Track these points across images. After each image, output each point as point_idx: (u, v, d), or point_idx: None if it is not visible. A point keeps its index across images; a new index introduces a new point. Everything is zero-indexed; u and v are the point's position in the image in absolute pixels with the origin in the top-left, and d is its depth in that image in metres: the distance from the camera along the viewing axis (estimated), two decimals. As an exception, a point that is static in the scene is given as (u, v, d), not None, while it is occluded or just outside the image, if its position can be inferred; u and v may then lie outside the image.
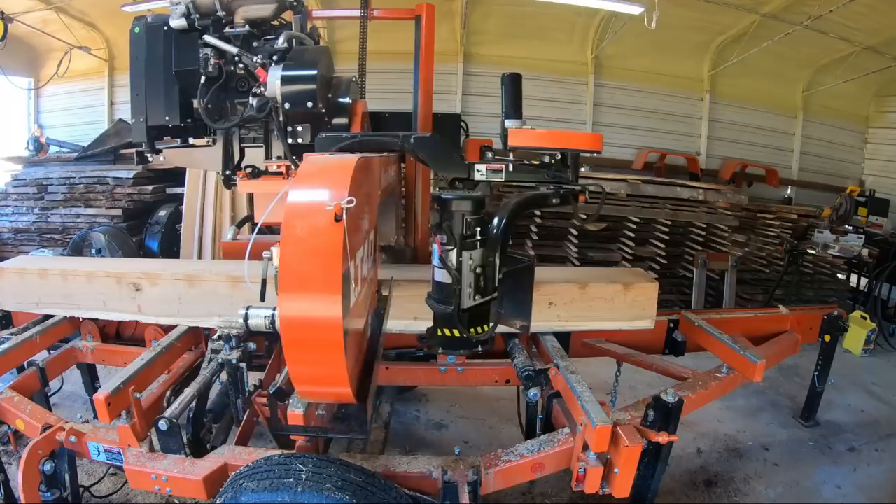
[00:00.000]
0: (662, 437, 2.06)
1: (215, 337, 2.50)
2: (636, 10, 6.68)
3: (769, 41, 7.62)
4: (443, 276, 1.96)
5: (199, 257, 6.19)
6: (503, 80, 2.23)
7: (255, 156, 2.86)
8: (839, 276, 6.82)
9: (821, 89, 8.96)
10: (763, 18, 7.47)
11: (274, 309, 1.78)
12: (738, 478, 3.35)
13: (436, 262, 1.97)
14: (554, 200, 2.14)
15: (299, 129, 2.47)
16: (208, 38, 2.47)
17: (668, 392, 2.26)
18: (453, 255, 1.92)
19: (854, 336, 5.35)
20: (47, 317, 2.85)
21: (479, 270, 1.93)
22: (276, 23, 2.66)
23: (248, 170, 2.71)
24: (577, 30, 8.38)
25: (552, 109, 8.41)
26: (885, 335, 5.76)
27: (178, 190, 6.58)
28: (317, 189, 1.44)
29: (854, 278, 6.73)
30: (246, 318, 1.86)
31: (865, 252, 6.11)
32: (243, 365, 2.41)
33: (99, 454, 2.18)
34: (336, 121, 2.57)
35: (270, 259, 1.91)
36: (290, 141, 2.49)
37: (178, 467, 2.06)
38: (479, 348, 2.09)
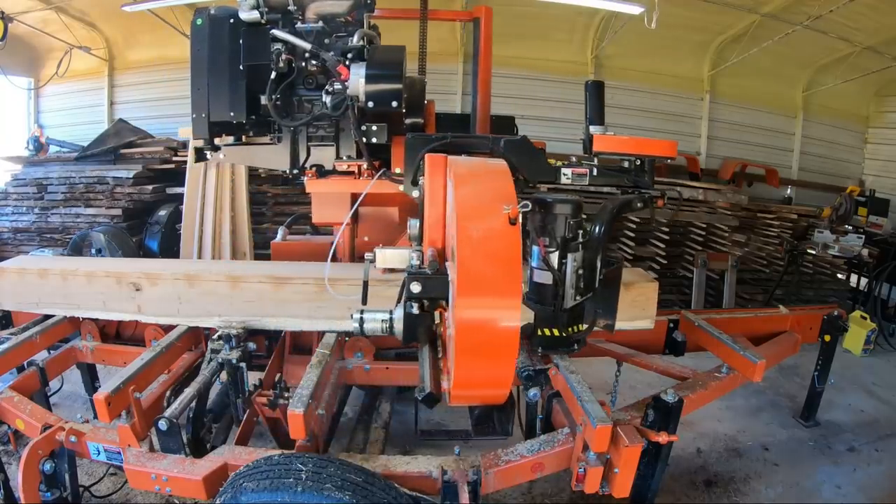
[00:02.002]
0: (662, 437, 2.06)
1: (215, 337, 2.50)
2: (636, 10, 6.68)
3: (769, 41, 7.61)
4: (543, 278, 1.97)
5: (199, 257, 6.19)
6: (587, 87, 2.33)
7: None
8: (839, 276, 6.82)
9: (821, 89, 8.95)
10: (763, 18, 7.47)
11: (390, 312, 1.74)
12: (738, 478, 3.35)
13: (535, 263, 1.98)
14: (639, 205, 2.20)
15: (374, 128, 2.42)
16: (279, 33, 2.40)
17: (668, 392, 2.26)
18: (555, 256, 1.94)
19: (854, 336, 5.35)
20: (47, 317, 2.85)
21: (580, 272, 1.95)
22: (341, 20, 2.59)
23: (315, 169, 2.67)
24: (577, 30, 8.37)
25: (552, 110, 8.40)
26: (885, 335, 5.76)
27: (178, 190, 6.57)
28: (486, 192, 1.40)
29: (854, 278, 6.73)
30: (361, 322, 1.79)
31: (865, 252, 6.11)
32: (243, 365, 2.42)
33: (99, 454, 2.18)
34: (411, 120, 2.56)
35: (373, 261, 1.93)
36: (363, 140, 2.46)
37: (178, 467, 2.06)
38: (576, 347, 2.10)
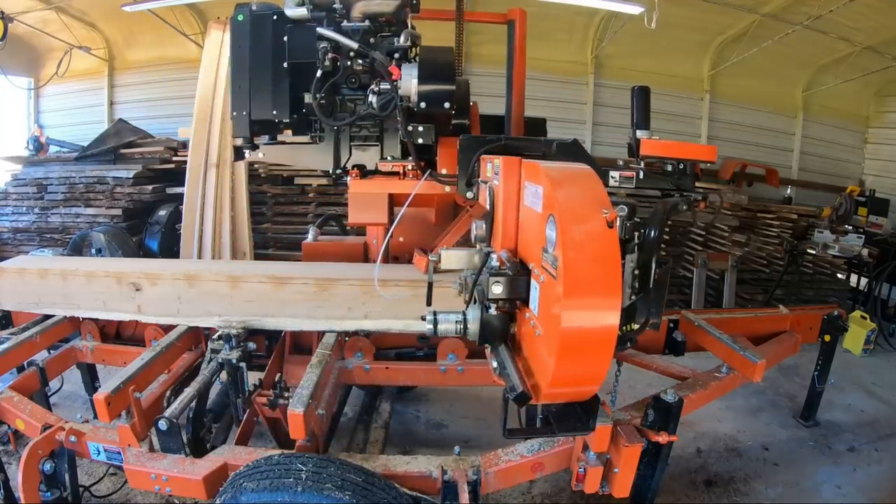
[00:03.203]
0: (662, 437, 2.07)
1: (215, 337, 2.50)
2: (636, 10, 6.68)
3: (769, 41, 7.61)
4: None
5: (199, 257, 6.18)
6: (633, 92, 2.33)
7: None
8: (839, 276, 6.82)
9: (821, 89, 8.96)
10: (763, 18, 7.47)
11: (463, 313, 1.74)
12: (738, 478, 3.35)
13: None
14: (683, 207, 2.22)
15: (420, 128, 2.42)
16: (326, 32, 2.37)
17: (668, 392, 2.26)
18: None
19: (854, 336, 5.35)
20: (47, 317, 2.85)
21: (636, 272, 1.97)
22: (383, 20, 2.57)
23: (358, 169, 2.67)
24: (577, 30, 8.37)
25: (552, 109, 8.40)
26: (885, 335, 5.76)
27: (178, 190, 6.57)
28: (583, 196, 1.43)
29: (854, 278, 6.73)
30: (435, 323, 1.77)
31: (865, 252, 6.11)
32: (243, 365, 2.42)
33: (99, 454, 2.17)
34: (456, 121, 2.56)
35: (438, 261, 1.93)
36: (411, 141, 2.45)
37: (178, 467, 2.06)
38: (628, 345, 2.12)
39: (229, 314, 2.63)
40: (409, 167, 2.59)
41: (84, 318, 2.86)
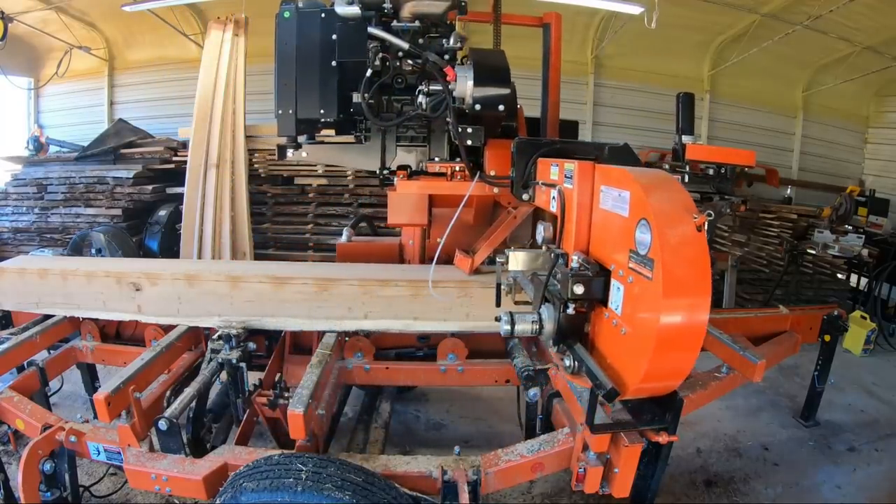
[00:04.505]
0: (662, 437, 2.06)
1: (215, 337, 2.50)
2: (636, 10, 6.68)
3: (769, 41, 7.62)
4: None
5: (199, 257, 6.19)
6: (678, 99, 2.45)
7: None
8: (839, 276, 6.81)
9: (821, 89, 8.96)
10: (763, 18, 7.48)
11: (539, 313, 1.78)
12: (738, 478, 3.35)
13: None
14: (727, 210, 2.31)
15: (469, 130, 2.42)
16: (378, 31, 2.37)
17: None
18: None
19: (854, 336, 5.35)
20: (47, 317, 2.85)
21: None
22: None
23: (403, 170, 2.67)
24: (577, 29, 8.37)
25: (552, 109, 8.40)
26: (885, 335, 5.76)
27: (178, 190, 6.58)
28: (674, 201, 1.50)
29: (854, 278, 6.73)
30: (512, 324, 1.81)
31: (865, 252, 6.11)
32: (243, 365, 2.42)
33: (99, 454, 2.17)
34: (505, 124, 2.57)
35: (505, 263, 1.97)
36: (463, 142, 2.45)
37: (178, 467, 2.06)
38: None
39: (229, 314, 2.63)
40: (457, 168, 2.61)
41: (84, 318, 2.86)
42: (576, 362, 1.72)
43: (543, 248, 1.93)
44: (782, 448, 3.69)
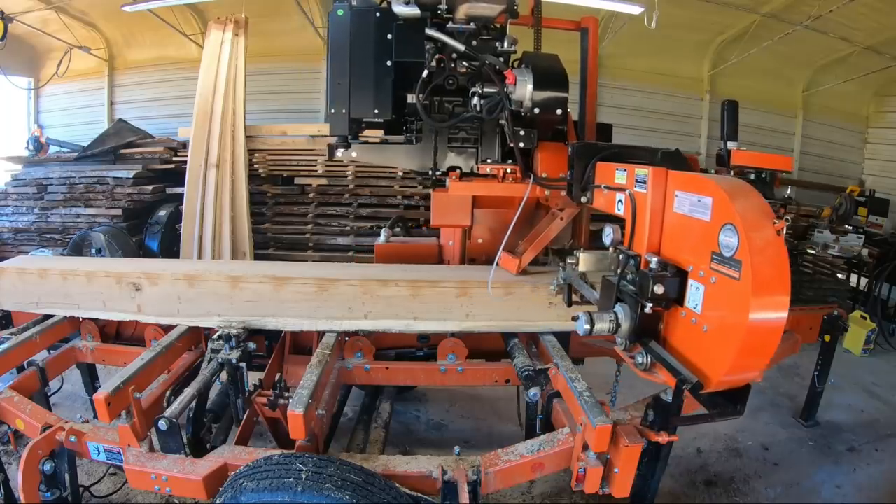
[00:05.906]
0: (662, 437, 2.06)
1: (215, 337, 2.50)
2: (636, 10, 6.68)
3: (769, 41, 7.62)
4: None
5: (199, 257, 6.19)
6: (723, 106, 2.56)
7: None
8: (839, 276, 6.81)
9: (821, 89, 8.96)
10: (763, 18, 7.48)
11: (615, 313, 1.84)
12: (738, 478, 3.35)
13: None
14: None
15: (521, 132, 2.44)
16: (434, 32, 2.36)
17: (668, 392, 2.26)
18: None
19: (854, 336, 5.35)
20: (47, 317, 2.85)
21: None
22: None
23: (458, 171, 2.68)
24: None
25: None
26: (885, 335, 5.76)
27: (178, 190, 6.58)
28: (756, 207, 1.59)
29: (854, 278, 6.73)
30: (592, 324, 1.85)
31: (865, 252, 6.11)
32: (243, 365, 2.42)
33: (99, 454, 2.17)
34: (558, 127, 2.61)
35: (576, 264, 2.04)
36: (510, 145, 2.46)
37: (178, 467, 2.06)
38: None
39: (229, 314, 2.63)
40: (508, 170, 2.62)
41: (84, 318, 2.86)
42: (648, 359, 1.78)
43: (611, 249, 1.97)
44: (782, 448, 3.70)
